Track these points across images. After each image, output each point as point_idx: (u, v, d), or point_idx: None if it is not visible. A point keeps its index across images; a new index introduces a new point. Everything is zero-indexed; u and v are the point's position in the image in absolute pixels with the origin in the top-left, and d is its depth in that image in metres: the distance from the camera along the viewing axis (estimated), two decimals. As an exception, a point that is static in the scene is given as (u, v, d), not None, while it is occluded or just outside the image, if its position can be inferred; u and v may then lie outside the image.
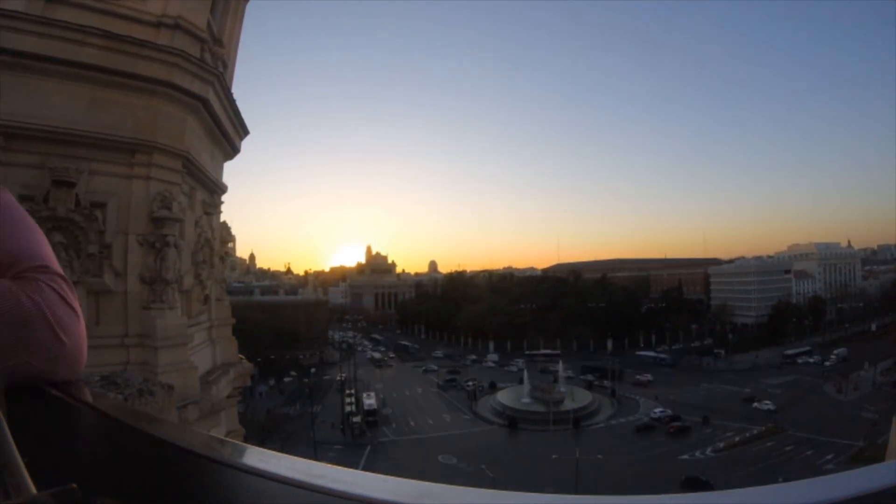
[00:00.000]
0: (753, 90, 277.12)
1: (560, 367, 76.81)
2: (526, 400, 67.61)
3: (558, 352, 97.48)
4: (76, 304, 0.88)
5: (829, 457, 45.54)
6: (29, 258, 0.84)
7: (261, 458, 0.61)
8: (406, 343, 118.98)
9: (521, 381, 74.04)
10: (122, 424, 0.74)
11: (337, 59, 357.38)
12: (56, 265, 0.88)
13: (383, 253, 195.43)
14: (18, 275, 0.81)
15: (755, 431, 53.81)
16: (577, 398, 67.68)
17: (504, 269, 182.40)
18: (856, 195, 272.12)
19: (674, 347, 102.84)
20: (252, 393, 59.56)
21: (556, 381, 73.32)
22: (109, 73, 5.46)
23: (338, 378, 75.01)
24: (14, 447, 0.56)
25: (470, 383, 75.99)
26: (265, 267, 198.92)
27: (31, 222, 0.94)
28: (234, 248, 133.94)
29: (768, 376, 78.09)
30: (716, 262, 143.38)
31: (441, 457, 49.30)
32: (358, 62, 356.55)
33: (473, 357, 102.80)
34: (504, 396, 70.32)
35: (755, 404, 63.22)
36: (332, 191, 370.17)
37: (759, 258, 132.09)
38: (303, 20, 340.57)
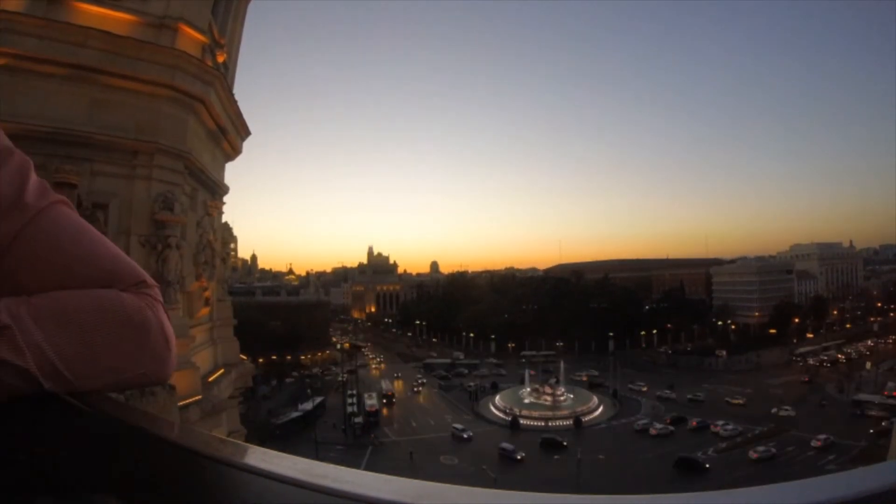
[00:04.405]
0: (755, 89, 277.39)
1: (562, 366, 76.70)
2: (527, 400, 67.59)
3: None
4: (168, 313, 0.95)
5: (830, 457, 45.42)
6: (133, 273, 0.89)
7: (262, 457, 0.61)
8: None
9: (522, 382, 73.91)
10: (124, 424, 0.74)
11: (338, 59, 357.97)
12: (149, 276, 0.93)
13: (385, 253, 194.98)
14: (128, 289, 0.86)
15: (757, 431, 53.67)
16: (578, 398, 67.69)
17: (505, 269, 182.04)
18: (858, 195, 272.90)
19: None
20: (254, 394, 59.57)
21: (557, 381, 73.30)
22: (110, 75, 5.46)
23: (339, 379, 75.01)
24: None
25: (471, 384, 75.96)
26: (267, 268, 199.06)
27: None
28: (235, 249, 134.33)
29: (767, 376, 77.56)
30: (717, 262, 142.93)
31: (443, 457, 49.31)
32: (358, 62, 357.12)
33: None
34: (505, 397, 70.31)
35: None
36: (333, 192, 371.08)
37: (760, 258, 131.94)
38: (304, 19, 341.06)
